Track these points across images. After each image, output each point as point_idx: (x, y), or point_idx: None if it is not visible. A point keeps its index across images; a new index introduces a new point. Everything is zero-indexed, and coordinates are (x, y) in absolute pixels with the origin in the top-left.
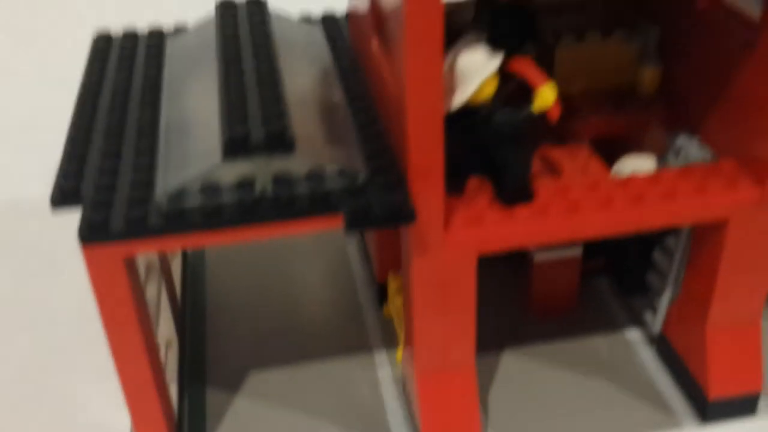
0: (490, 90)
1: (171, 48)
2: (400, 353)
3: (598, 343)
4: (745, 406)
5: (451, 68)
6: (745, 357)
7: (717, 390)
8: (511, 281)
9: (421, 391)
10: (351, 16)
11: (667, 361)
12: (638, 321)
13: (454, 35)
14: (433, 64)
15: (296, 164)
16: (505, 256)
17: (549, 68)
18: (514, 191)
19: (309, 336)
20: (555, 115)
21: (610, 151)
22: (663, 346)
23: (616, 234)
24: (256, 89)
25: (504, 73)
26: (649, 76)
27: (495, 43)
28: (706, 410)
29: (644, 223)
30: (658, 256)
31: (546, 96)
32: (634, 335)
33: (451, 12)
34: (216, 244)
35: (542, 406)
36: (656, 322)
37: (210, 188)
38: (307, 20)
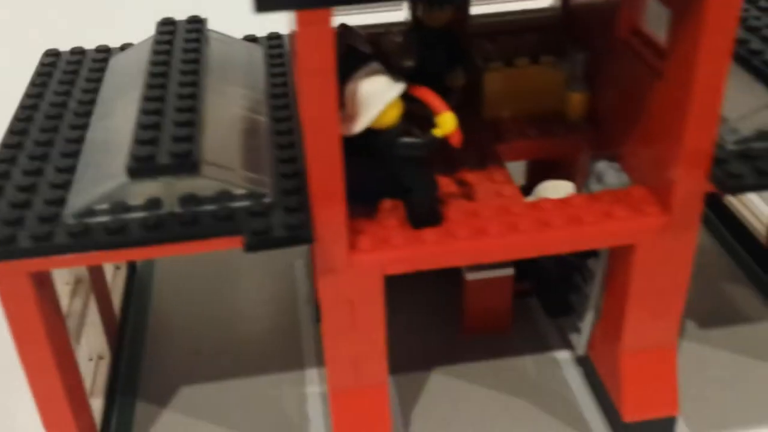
0: (394, 115)
1: (112, 66)
2: None
3: (528, 363)
4: (662, 430)
5: (354, 94)
6: (660, 380)
7: (632, 413)
8: (447, 299)
9: (334, 409)
10: (290, 36)
11: (591, 383)
12: (568, 342)
13: (384, 59)
14: (326, 90)
15: (203, 185)
16: (441, 273)
17: (478, 92)
18: (421, 214)
19: (244, 352)
20: (456, 141)
21: (550, 173)
22: (588, 367)
23: (522, 257)
24: (174, 110)
25: (412, 98)
26: (576, 101)
27: (425, 67)
28: None
29: (550, 247)
30: (579, 278)
31: (447, 123)
32: (563, 356)
33: (380, 36)
34: (122, 260)
35: (465, 425)
36: (580, 343)
37: (117, 207)
38: (251, 39)
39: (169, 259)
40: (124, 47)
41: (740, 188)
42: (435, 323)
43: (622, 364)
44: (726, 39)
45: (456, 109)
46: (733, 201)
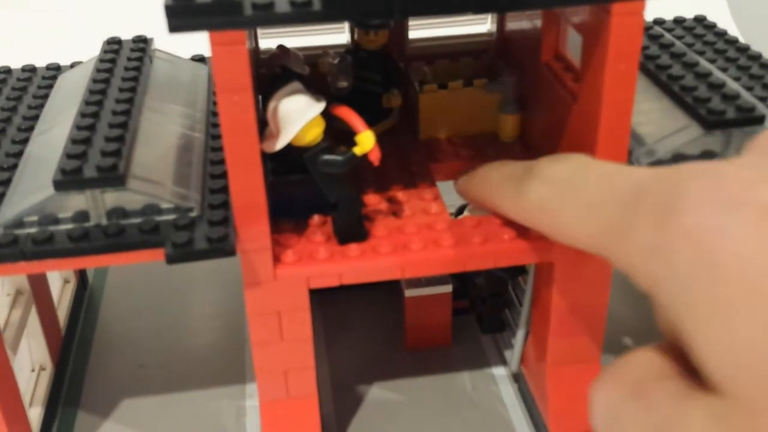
0: (316, 133)
1: (59, 83)
2: None
3: (465, 378)
4: None
5: (275, 112)
6: (586, 395)
7: (558, 427)
8: (395, 316)
9: (264, 420)
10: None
11: (524, 398)
12: (505, 358)
13: (321, 80)
14: (243, 107)
15: (130, 199)
16: (390, 291)
17: (415, 113)
18: (346, 230)
19: (188, 366)
20: (375, 158)
21: None
22: (521, 383)
23: (443, 272)
24: (106, 126)
25: (334, 117)
26: (508, 123)
27: (361, 87)
28: None
29: (469, 263)
30: (511, 295)
31: (365, 141)
32: (500, 372)
33: (318, 57)
34: (49, 270)
35: None
36: (513, 359)
37: (45, 218)
38: (199, 59)
39: (121, 273)
40: (73, 65)
41: None
42: (380, 339)
43: (547, 379)
44: (630, 64)
45: (393, 128)
46: None
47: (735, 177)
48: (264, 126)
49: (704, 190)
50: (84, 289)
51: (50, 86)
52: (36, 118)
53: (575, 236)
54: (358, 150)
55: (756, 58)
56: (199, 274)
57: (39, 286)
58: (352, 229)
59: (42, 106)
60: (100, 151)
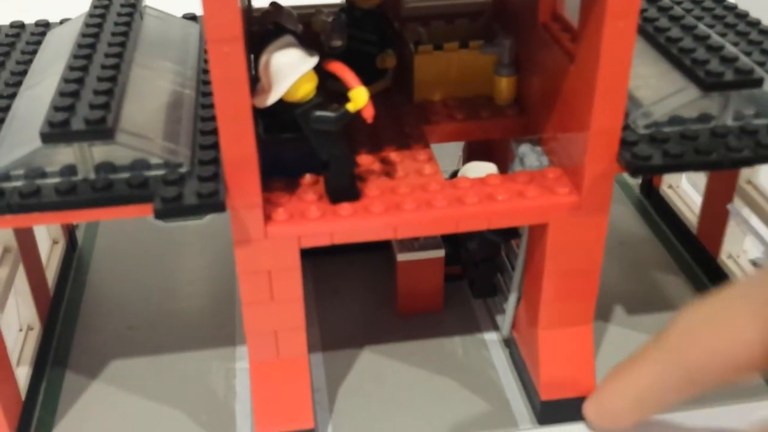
0: (308, 89)
1: (47, 39)
2: None
3: (456, 344)
4: (579, 410)
5: (267, 66)
6: (577, 360)
7: (549, 392)
8: (388, 281)
9: (254, 381)
10: None
11: (515, 363)
12: (497, 324)
13: (313, 38)
14: (234, 58)
15: (119, 153)
16: (385, 256)
17: (410, 74)
18: (338, 189)
19: (178, 328)
20: (369, 115)
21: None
22: (513, 347)
23: (436, 233)
24: (95, 80)
25: (329, 74)
26: (503, 85)
27: (355, 47)
28: (540, 412)
29: (463, 224)
30: (503, 260)
31: (359, 98)
32: (491, 337)
33: (311, 16)
34: (35, 224)
35: (388, 401)
36: (505, 324)
37: (32, 172)
38: (190, 18)
39: (111, 235)
40: (63, 21)
41: (647, 170)
42: (372, 304)
43: (539, 343)
44: (629, 21)
45: (387, 90)
46: (667, 191)
47: None
48: (256, 83)
49: None
50: (73, 251)
51: (39, 42)
52: (24, 73)
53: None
54: (351, 106)
55: (755, 24)
56: (189, 239)
57: (27, 245)
58: (344, 188)
59: (30, 62)
60: (89, 104)
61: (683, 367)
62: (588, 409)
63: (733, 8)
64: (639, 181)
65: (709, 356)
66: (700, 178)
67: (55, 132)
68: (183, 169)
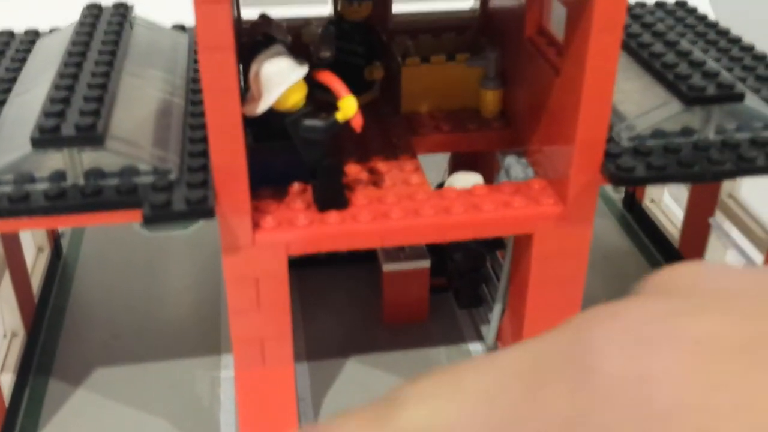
0: (298, 98)
1: (37, 48)
2: None
3: (441, 354)
4: None
5: (257, 75)
6: None
7: None
8: (375, 292)
9: (240, 390)
10: None
11: None
12: (481, 334)
13: (303, 49)
14: (225, 67)
15: (108, 159)
16: (372, 268)
17: (397, 86)
18: (326, 198)
19: (163, 337)
20: (357, 125)
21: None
22: None
23: (422, 242)
24: (85, 87)
25: (318, 84)
26: (489, 98)
27: (343, 58)
28: None
29: (449, 234)
30: (488, 271)
31: (348, 107)
32: (476, 348)
33: (301, 28)
34: (24, 229)
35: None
36: (489, 334)
37: (22, 177)
38: (179, 28)
39: (96, 244)
40: (52, 30)
41: (631, 182)
42: (357, 314)
43: None
44: (614, 36)
45: (375, 101)
46: (650, 206)
47: (642, 312)
48: (246, 92)
49: (614, 331)
50: (58, 258)
51: (28, 51)
52: (14, 80)
53: None
54: (340, 116)
55: (736, 41)
56: (174, 248)
57: (12, 252)
58: (332, 196)
59: (20, 69)
60: (79, 111)
61: None
62: None
63: (714, 25)
64: (622, 195)
65: None
66: (682, 193)
67: (46, 137)
68: (172, 176)
